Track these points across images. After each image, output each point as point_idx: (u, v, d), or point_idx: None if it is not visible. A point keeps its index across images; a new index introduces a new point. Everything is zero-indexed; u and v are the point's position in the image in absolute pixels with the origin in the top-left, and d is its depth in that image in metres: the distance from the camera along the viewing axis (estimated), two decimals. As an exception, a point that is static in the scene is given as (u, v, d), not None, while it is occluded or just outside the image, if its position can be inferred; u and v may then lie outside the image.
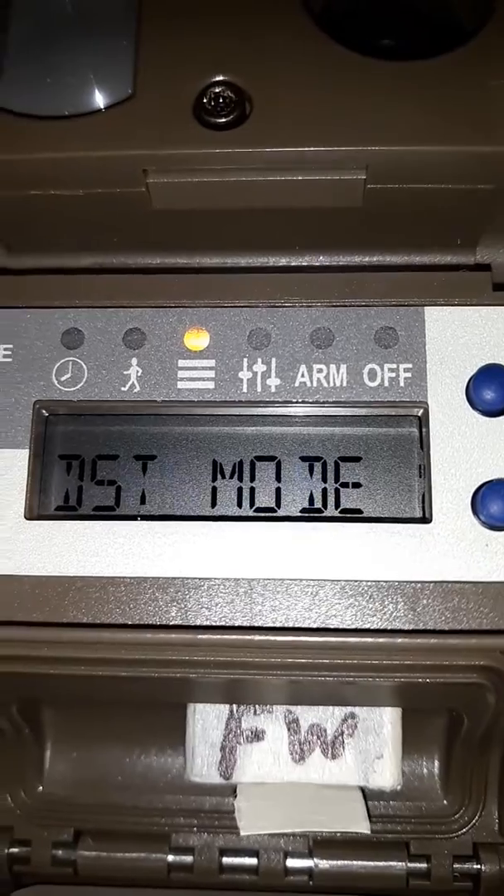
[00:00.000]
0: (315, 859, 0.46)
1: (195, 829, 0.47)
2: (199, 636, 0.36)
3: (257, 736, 0.45)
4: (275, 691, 0.43)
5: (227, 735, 0.45)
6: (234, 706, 0.46)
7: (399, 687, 0.41)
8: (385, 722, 0.44)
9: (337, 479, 0.39)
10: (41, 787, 0.49)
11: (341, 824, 0.42)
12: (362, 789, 0.45)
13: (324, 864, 0.46)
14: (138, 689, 0.41)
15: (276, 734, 0.45)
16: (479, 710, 0.41)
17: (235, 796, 0.44)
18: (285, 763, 0.44)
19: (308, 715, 0.45)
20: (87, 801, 0.48)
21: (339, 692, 0.42)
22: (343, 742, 0.44)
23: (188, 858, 0.47)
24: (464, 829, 0.47)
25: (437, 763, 0.48)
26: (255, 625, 0.37)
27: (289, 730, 0.45)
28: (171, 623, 0.37)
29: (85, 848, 0.47)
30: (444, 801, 0.48)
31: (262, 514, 0.39)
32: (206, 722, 0.45)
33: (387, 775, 0.44)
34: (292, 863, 0.46)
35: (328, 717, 0.45)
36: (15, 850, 0.47)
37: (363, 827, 0.43)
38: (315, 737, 0.45)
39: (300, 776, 0.44)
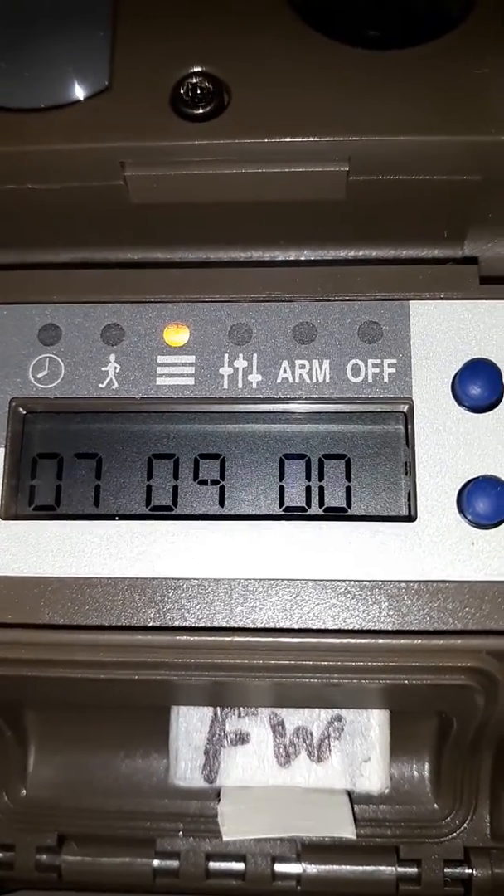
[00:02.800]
0: (303, 864, 0.45)
1: (181, 833, 0.47)
2: (177, 637, 0.36)
3: (242, 739, 0.44)
4: (259, 693, 0.42)
5: (210, 738, 0.44)
6: (218, 709, 0.45)
7: (385, 689, 0.40)
8: (373, 724, 0.44)
9: (321, 478, 0.39)
10: (24, 791, 0.48)
11: (327, 829, 0.42)
12: (349, 793, 0.44)
13: (312, 868, 0.45)
14: (119, 691, 0.40)
15: (261, 737, 0.44)
16: (467, 712, 0.40)
17: (220, 800, 0.44)
18: (270, 766, 0.44)
19: (294, 717, 0.44)
20: (71, 805, 0.48)
21: (324, 694, 0.42)
22: (329, 745, 0.44)
23: (174, 863, 0.46)
24: (454, 833, 0.46)
25: (426, 766, 0.47)
26: (235, 626, 0.36)
27: (274, 732, 0.44)
28: (148, 624, 0.36)
29: (69, 853, 0.47)
30: (435, 805, 0.47)
31: (244, 513, 0.38)
32: (190, 725, 0.44)
33: (374, 779, 0.43)
34: (280, 868, 0.46)
35: (314, 719, 0.44)
36: (-1, 854, 0.47)
37: (349, 832, 0.42)
38: (301, 739, 0.44)
39: (286, 780, 0.44)
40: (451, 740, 0.44)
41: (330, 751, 0.44)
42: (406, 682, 0.37)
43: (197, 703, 0.44)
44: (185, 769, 0.44)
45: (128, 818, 0.47)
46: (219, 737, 0.44)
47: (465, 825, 0.46)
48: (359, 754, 0.44)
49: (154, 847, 0.46)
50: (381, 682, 0.38)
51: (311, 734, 0.44)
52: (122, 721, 0.48)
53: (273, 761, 0.44)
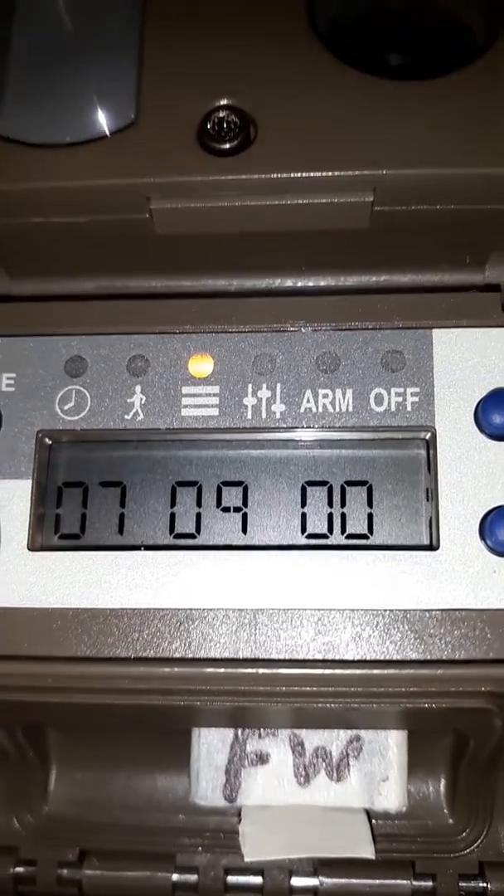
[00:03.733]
0: (320, 878, 0.46)
1: (200, 848, 0.47)
2: (204, 670, 0.36)
3: (262, 759, 0.45)
4: (280, 717, 0.43)
5: (231, 758, 0.45)
6: (239, 729, 0.45)
7: (405, 711, 0.40)
8: (390, 744, 0.44)
9: (343, 504, 0.39)
10: (46, 808, 0.49)
11: (346, 850, 0.42)
12: (367, 812, 0.44)
13: (329, 882, 0.46)
14: (142, 715, 0.41)
15: (280, 757, 0.45)
16: (485, 732, 0.40)
17: (240, 819, 0.44)
18: (290, 786, 0.44)
19: (313, 737, 0.45)
20: (91, 821, 0.48)
21: (344, 716, 0.42)
22: (348, 764, 0.44)
23: (193, 877, 0.47)
24: (470, 848, 0.47)
25: (442, 781, 0.48)
26: (260, 657, 0.36)
27: (294, 752, 0.45)
28: (174, 656, 0.36)
29: (90, 867, 0.47)
30: (450, 820, 0.48)
31: (267, 542, 0.38)
32: (211, 745, 0.45)
33: (392, 798, 0.44)
34: (297, 881, 0.46)
35: (333, 739, 0.45)
36: (20, 869, 0.47)
37: (368, 852, 0.42)
38: (320, 759, 0.44)
39: (305, 799, 0.44)
40: (468, 757, 0.45)
41: (349, 770, 0.44)
42: (427, 705, 0.37)
43: (218, 725, 0.45)
44: (207, 789, 0.45)
45: (148, 833, 0.48)
46: (239, 757, 0.45)
47: (480, 840, 0.47)
48: (377, 774, 0.44)
49: (174, 862, 0.47)
50: (401, 706, 0.38)
51: (331, 754, 0.44)
52: (142, 739, 0.48)
53: (293, 781, 0.44)
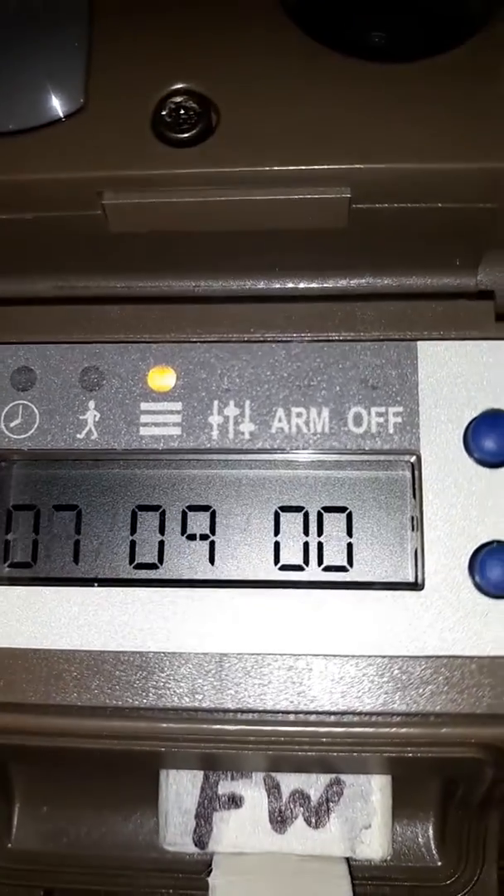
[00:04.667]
0: (301, 923, 0.43)
1: (171, 891, 0.44)
2: (160, 725, 0.33)
3: (235, 802, 0.41)
4: (252, 762, 0.40)
5: (202, 801, 0.41)
6: (211, 771, 0.42)
7: (388, 759, 0.37)
8: (374, 788, 0.41)
9: (320, 533, 0.35)
10: (10, 845, 0.46)
11: (324, 907, 0.39)
12: (348, 861, 0.41)
13: (311, 927, 0.43)
14: (103, 757, 0.38)
15: (255, 800, 0.41)
16: (475, 779, 0.37)
17: (210, 871, 0.41)
18: (265, 832, 0.41)
19: (290, 780, 0.41)
20: (57, 859, 0.46)
21: (322, 762, 0.39)
22: (328, 809, 0.41)
23: (164, 921, 0.44)
24: (460, 894, 0.44)
25: (431, 824, 0.45)
26: (225, 707, 0.33)
27: (269, 796, 0.41)
28: (131, 705, 0.33)
29: (55, 909, 0.45)
30: (439, 863, 0.44)
31: (236, 577, 0.35)
32: (180, 787, 0.41)
33: (375, 846, 0.41)
34: (276, 928, 0.43)
35: (312, 782, 0.41)
36: (-18, 909, 0.45)
37: (347, 908, 0.39)
38: (297, 804, 0.41)
39: (281, 846, 0.41)
40: (457, 801, 0.42)
41: (329, 816, 0.41)
42: (411, 755, 0.34)
43: (187, 767, 0.42)
44: (176, 834, 0.41)
45: (116, 874, 0.45)
46: (210, 799, 0.41)
47: (471, 885, 0.44)
48: (359, 820, 0.41)
49: (143, 905, 0.44)
50: (383, 755, 0.35)
51: (309, 798, 0.41)
52: (111, 775, 0.45)
53: (268, 826, 0.41)
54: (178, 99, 0.33)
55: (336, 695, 0.33)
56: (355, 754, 0.35)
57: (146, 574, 0.35)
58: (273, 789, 0.41)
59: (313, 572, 0.35)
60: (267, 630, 0.34)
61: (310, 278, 0.38)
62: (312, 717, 0.33)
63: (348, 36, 0.34)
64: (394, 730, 0.33)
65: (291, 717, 0.33)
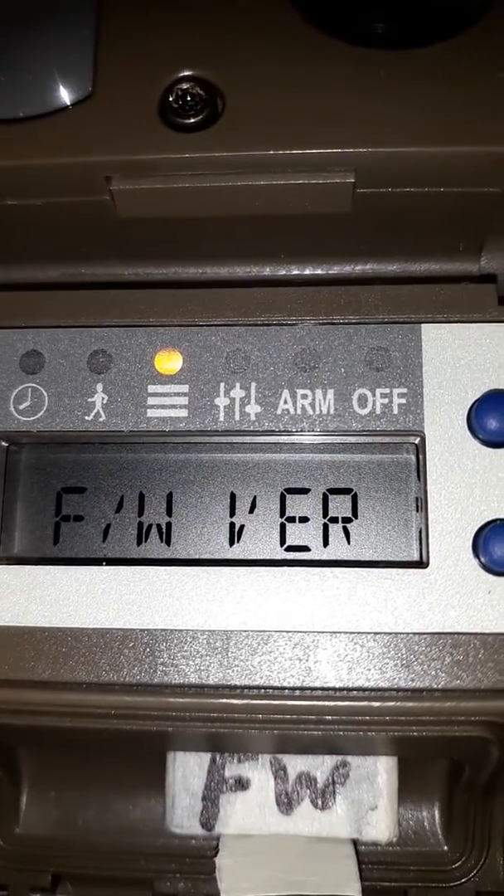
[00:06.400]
0: (307, 907, 0.43)
1: (179, 874, 0.44)
2: (168, 699, 0.33)
3: (242, 784, 0.42)
4: (259, 742, 0.40)
5: (209, 783, 0.42)
6: (217, 753, 0.42)
7: (393, 739, 0.37)
8: (380, 770, 0.41)
9: (325, 514, 0.36)
10: (18, 830, 0.46)
11: (330, 887, 0.39)
12: (355, 843, 0.41)
13: (317, 912, 0.43)
14: (110, 739, 0.38)
15: (261, 783, 0.41)
16: (480, 759, 0.37)
17: (217, 851, 0.41)
18: (272, 814, 0.41)
19: (296, 762, 0.42)
20: (65, 844, 0.46)
21: (328, 742, 0.39)
22: (334, 791, 0.41)
23: (172, 904, 0.44)
24: (466, 877, 0.44)
25: (437, 808, 0.45)
26: (232, 683, 0.33)
27: (276, 778, 0.41)
28: (139, 682, 0.34)
29: (63, 892, 0.46)
30: (445, 848, 0.45)
31: (242, 558, 0.35)
32: (187, 770, 0.42)
33: (381, 827, 0.41)
34: (282, 911, 0.43)
35: (318, 765, 0.41)
36: (-9, 894, 0.45)
37: (354, 890, 0.39)
38: (304, 786, 0.41)
39: (288, 828, 0.41)
40: (463, 784, 0.42)
41: (335, 798, 0.41)
42: (416, 734, 0.34)
43: (195, 749, 0.42)
44: (182, 816, 0.42)
45: (124, 858, 0.45)
46: (217, 782, 0.42)
47: (477, 869, 0.44)
48: (365, 802, 0.41)
49: (152, 888, 0.44)
50: (389, 734, 0.35)
51: (315, 780, 0.41)
52: (118, 759, 0.45)
53: (275, 808, 0.41)
54: (185, 86, 0.34)
55: (342, 671, 0.33)
56: (361, 734, 0.35)
57: (154, 554, 0.36)
58: (279, 772, 0.42)
59: (319, 552, 0.35)
60: (273, 608, 0.34)
61: (314, 264, 0.39)
62: (318, 693, 0.33)
63: (352, 24, 0.35)
64: (398, 704, 0.33)
65: (298, 693, 0.33)
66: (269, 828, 0.41)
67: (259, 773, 0.42)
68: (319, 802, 0.41)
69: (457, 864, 0.44)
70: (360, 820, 0.41)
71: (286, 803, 0.41)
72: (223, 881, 0.40)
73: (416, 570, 0.34)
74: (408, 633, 0.33)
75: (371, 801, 0.41)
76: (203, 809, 0.42)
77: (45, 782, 0.47)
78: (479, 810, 0.43)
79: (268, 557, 0.35)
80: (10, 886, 0.45)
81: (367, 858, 0.43)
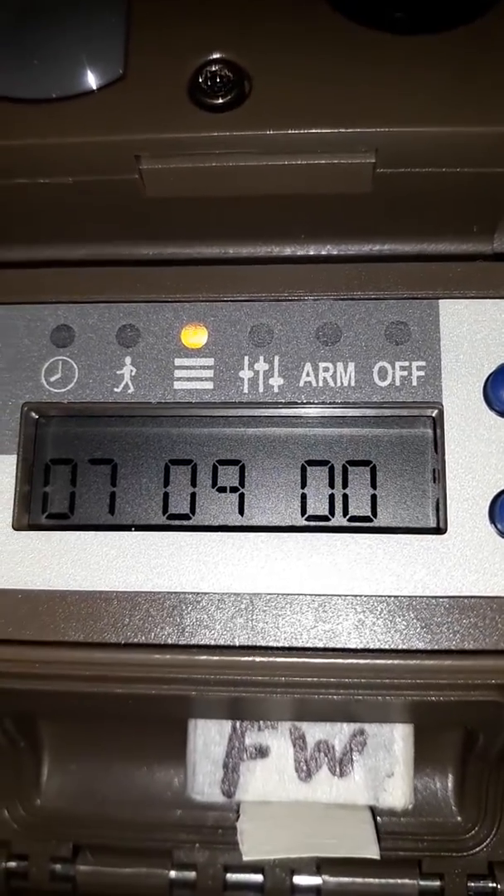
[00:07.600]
0: (323, 876, 0.44)
1: (198, 844, 0.46)
2: (196, 657, 0.34)
3: (261, 752, 0.43)
4: (280, 708, 0.41)
5: (229, 751, 0.43)
6: (237, 721, 0.43)
7: (410, 704, 0.38)
8: (396, 738, 0.42)
9: (346, 485, 0.37)
10: (39, 801, 0.47)
11: (349, 849, 0.40)
12: (372, 809, 0.42)
13: (332, 881, 0.44)
14: (135, 704, 0.39)
15: (281, 751, 0.43)
16: (495, 726, 0.38)
17: (239, 816, 0.42)
18: (291, 781, 0.42)
19: (315, 731, 0.43)
20: (86, 814, 0.47)
21: (347, 709, 0.40)
22: (352, 759, 0.42)
23: (191, 875, 0.45)
24: (479, 847, 0.45)
25: (450, 778, 0.46)
26: (256, 644, 0.34)
27: (294, 746, 0.43)
28: (166, 642, 0.35)
29: (84, 863, 0.46)
30: (458, 818, 0.46)
31: (265, 524, 0.36)
32: (208, 738, 0.43)
33: (398, 794, 0.42)
34: (299, 880, 0.44)
35: (336, 732, 0.43)
36: (12, 864, 0.46)
37: (372, 852, 0.40)
38: (322, 754, 0.42)
39: (306, 795, 0.42)
40: (477, 753, 0.43)
41: (352, 765, 0.42)
42: (434, 698, 0.35)
43: (216, 716, 0.43)
44: (203, 783, 0.43)
45: (144, 828, 0.46)
46: (238, 750, 0.43)
47: (490, 839, 0.45)
48: (382, 769, 0.42)
49: (171, 858, 0.45)
50: (407, 699, 0.36)
51: (333, 748, 0.42)
52: (138, 730, 0.47)
53: (294, 776, 0.42)
54: (214, 68, 0.35)
55: (363, 632, 0.34)
56: (379, 698, 0.36)
57: (179, 522, 0.37)
58: (298, 740, 0.43)
59: (339, 521, 0.37)
60: (296, 572, 0.35)
61: (335, 244, 0.40)
62: (339, 653, 0.34)
63: (373, 10, 0.36)
64: (417, 662, 0.34)
65: (319, 653, 0.34)
66: (288, 795, 0.42)
67: (278, 741, 0.43)
68: (337, 770, 0.42)
69: (470, 834, 0.45)
70: (377, 787, 0.42)
71: (305, 771, 0.42)
72: (245, 843, 0.41)
73: (434, 537, 0.35)
74: (426, 597, 0.35)
75: (388, 769, 0.42)
76: (224, 777, 0.43)
77: (66, 754, 0.48)
78: (492, 780, 0.44)
79: (289, 524, 0.36)
80: (31, 857, 0.46)
81: (381, 828, 0.44)
